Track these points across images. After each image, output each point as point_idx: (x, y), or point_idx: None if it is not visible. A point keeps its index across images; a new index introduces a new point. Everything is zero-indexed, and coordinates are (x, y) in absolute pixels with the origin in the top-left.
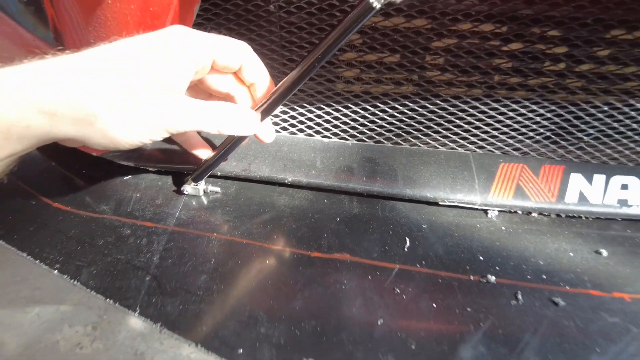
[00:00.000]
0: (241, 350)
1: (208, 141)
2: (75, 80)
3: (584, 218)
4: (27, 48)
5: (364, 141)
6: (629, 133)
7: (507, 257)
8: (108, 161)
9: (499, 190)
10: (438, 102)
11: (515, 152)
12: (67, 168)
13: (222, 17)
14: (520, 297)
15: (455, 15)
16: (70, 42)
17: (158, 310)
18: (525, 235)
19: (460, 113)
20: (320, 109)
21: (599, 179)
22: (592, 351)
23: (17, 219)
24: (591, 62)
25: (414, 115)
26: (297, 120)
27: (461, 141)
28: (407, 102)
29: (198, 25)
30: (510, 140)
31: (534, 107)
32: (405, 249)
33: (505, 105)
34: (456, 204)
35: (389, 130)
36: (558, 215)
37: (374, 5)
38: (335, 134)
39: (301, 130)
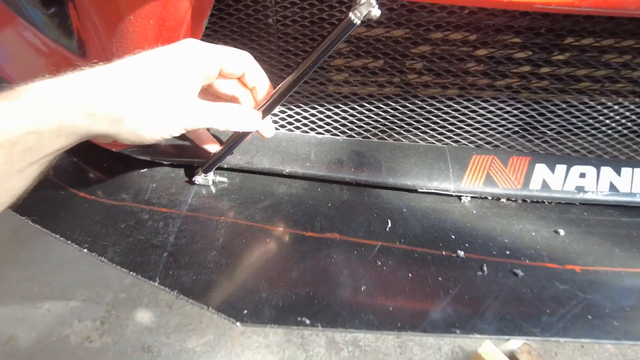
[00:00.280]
0: (246, 312)
1: (216, 137)
2: (109, 88)
3: (546, 203)
4: (52, 55)
5: (353, 137)
6: (586, 127)
7: (476, 236)
8: (126, 156)
9: (471, 179)
10: (417, 101)
11: (486, 145)
12: (89, 163)
13: (228, 29)
14: (485, 269)
15: (427, 26)
16: (93, 51)
17: (175, 280)
18: (494, 218)
19: (436, 111)
20: (314, 108)
21: (560, 168)
22: (543, 313)
23: (49, 207)
24: (549, 65)
25: (396, 114)
26: (293, 118)
27: (438, 136)
28: (390, 102)
29: (206, 36)
30: (482, 135)
31: (502, 105)
32: (387, 229)
33: (476, 104)
34: (433, 190)
35: (375, 127)
36: (524, 201)
37: (355, 21)
38: (327, 131)
39: (297, 128)
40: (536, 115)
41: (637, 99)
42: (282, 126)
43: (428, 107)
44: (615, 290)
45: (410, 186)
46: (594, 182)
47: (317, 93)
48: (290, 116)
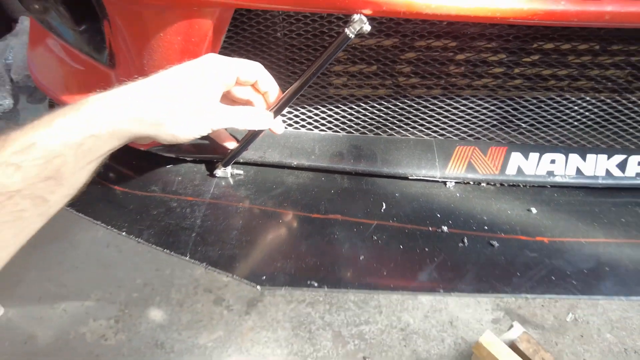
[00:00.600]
0: (264, 277)
1: (233, 136)
2: (151, 99)
3: (521, 186)
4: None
5: (351, 133)
6: (555, 120)
7: (458, 214)
8: (153, 154)
9: (455, 167)
10: (406, 101)
11: (468, 138)
12: (121, 161)
13: (242, 42)
14: (465, 241)
15: (412, 36)
16: (122, 63)
17: (203, 255)
18: (474, 199)
19: (424, 109)
20: (317, 109)
21: (533, 156)
22: (514, 275)
23: (89, 199)
24: (519, 67)
25: (389, 112)
26: (299, 118)
27: (426, 130)
28: (383, 102)
29: (224, 49)
30: (464, 129)
31: (480, 102)
32: (382, 210)
33: (458, 102)
34: (421, 177)
35: (370, 124)
36: (501, 185)
37: (350, 35)
38: (329, 128)
39: (303, 126)
40: (511, 110)
41: (596, 94)
42: (290, 125)
43: (416, 105)
44: (576, 257)
45: (402, 174)
46: (562, 167)
47: (320, 95)
48: (296, 116)
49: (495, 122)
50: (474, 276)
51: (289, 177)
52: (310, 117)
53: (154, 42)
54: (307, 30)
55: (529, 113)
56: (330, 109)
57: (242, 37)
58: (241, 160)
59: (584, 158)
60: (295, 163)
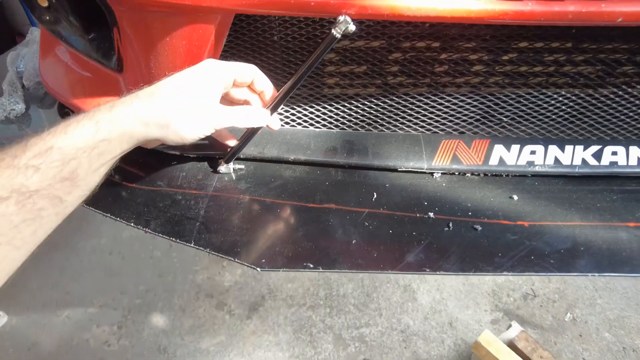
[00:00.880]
0: (263, 260)
1: (233, 134)
2: (157, 103)
3: (503, 176)
4: (90, 72)
5: (344, 129)
6: (534, 114)
7: (444, 202)
8: (159, 152)
9: (441, 159)
10: (395, 98)
11: (453, 132)
12: (129, 159)
13: (242, 45)
14: (451, 226)
15: (398, 37)
16: (130, 67)
17: (206, 241)
18: (460, 188)
19: (411, 105)
20: (312, 107)
21: (515, 147)
22: (495, 255)
23: (99, 194)
24: (498, 64)
25: (379, 109)
26: (295, 116)
27: (413, 126)
28: (373, 100)
29: (224, 52)
30: (449, 124)
31: (464, 98)
32: (373, 200)
33: (442, 98)
34: (410, 169)
35: (362, 120)
36: (485, 175)
37: (336, 36)
38: (323, 125)
39: (299, 124)
40: (492, 105)
41: (571, 89)
42: (287, 122)
43: (404, 102)
44: (554, 238)
45: (391, 166)
46: (542, 158)
47: (314, 94)
48: (293, 114)
49: (478, 117)
50: (458, 257)
51: (286, 171)
52: (305, 115)
53: (160, 46)
54: (301, 34)
55: (510, 108)
56: (324, 107)
57: (242, 40)
58: (242, 156)
59: (562, 149)
60: (292, 158)
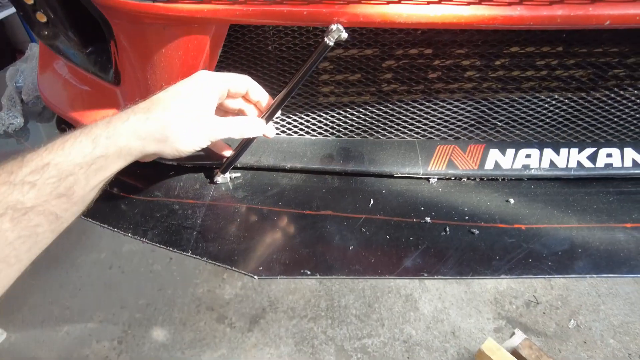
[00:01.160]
0: (260, 268)
1: (229, 143)
2: (153, 118)
3: (499, 180)
4: (88, 85)
5: (340, 136)
6: (528, 117)
7: (441, 206)
8: (156, 162)
9: (436, 164)
10: (389, 105)
11: (448, 137)
12: (126, 170)
13: (237, 55)
14: (448, 230)
15: (390, 45)
16: (127, 79)
17: (203, 250)
18: (456, 193)
19: (405, 112)
20: (307, 115)
21: (510, 151)
22: (493, 259)
23: (96, 205)
24: (490, 69)
25: (374, 116)
26: (292, 125)
27: (408, 132)
28: (368, 107)
29: (220, 62)
30: (443, 129)
31: (458, 104)
32: (370, 206)
33: (437, 104)
34: (406, 175)
35: (357, 128)
36: (481, 179)
37: (329, 44)
38: (319, 133)
39: (295, 132)
40: (487, 110)
41: (564, 93)
42: (283, 131)
43: (398, 109)
44: (551, 241)
45: (387, 172)
46: (537, 161)
47: (309, 103)
48: (289, 123)
49: (472, 122)
50: (456, 261)
51: (283, 179)
52: (301, 124)
53: (156, 58)
54: (295, 44)
55: (504, 112)
56: (320, 115)
57: (237, 51)
58: (238, 165)
59: (557, 152)
60: (288, 166)
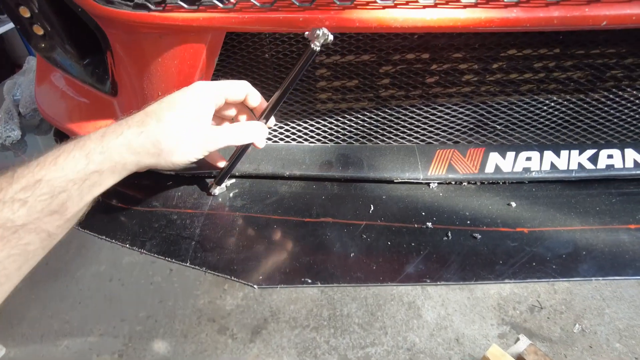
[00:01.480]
0: (260, 277)
1: (223, 154)
2: (148, 131)
3: (500, 183)
4: (85, 97)
5: (339, 143)
6: (528, 120)
7: (442, 211)
8: (154, 172)
9: (436, 169)
10: (387, 110)
11: (448, 142)
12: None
13: (234, 63)
14: (449, 235)
15: (387, 50)
16: (124, 90)
17: (202, 260)
18: (457, 197)
19: (404, 117)
20: (305, 122)
21: (510, 154)
22: (496, 263)
23: (94, 217)
24: (488, 72)
25: (372, 122)
26: (290, 132)
27: (407, 137)
28: (366, 113)
29: (217, 71)
30: (443, 133)
31: (456, 108)
32: (370, 212)
33: (435, 109)
34: (406, 180)
35: (356, 134)
36: (482, 183)
37: (316, 49)
38: (318, 140)
39: (294, 139)
40: (485, 114)
41: (562, 95)
42: (281, 139)
43: (397, 114)
44: (555, 244)
45: (387, 178)
46: (538, 164)
47: (307, 110)
48: (287, 130)
49: (471, 126)
50: (458, 266)
51: (282, 187)
52: (299, 131)
53: (153, 68)
54: (292, 51)
55: (503, 115)
56: (318, 122)
57: (234, 59)
58: (237, 174)
59: (557, 154)
60: (287, 173)
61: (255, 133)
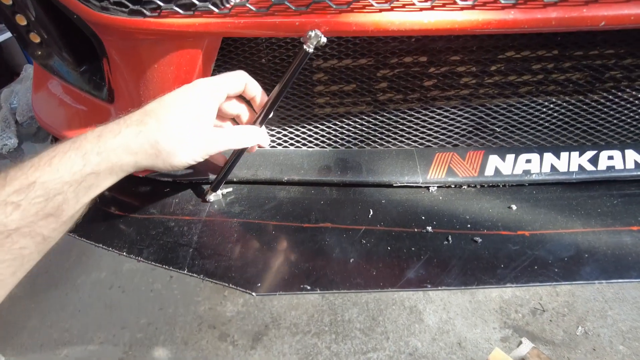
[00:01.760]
0: (259, 284)
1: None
2: (147, 131)
3: (500, 186)
4: (82, 104)
5: (337, 147)
6: (527, 122)
7: (442, 215)
8: (151, 179)
9: (435, 172)
10: (386, 114)
11: (447, 145)
12: (120, 188)
13: (231, 69)
14: (450, 239)
15: (384, 54)
16: (120, 97)
17: (200, 268)
18: (457, 201)
19: (402, 120)
20: (303, 127)
21: (510, 157)
22: (498, 267)
23: (90, 225)
24: (487, 75)
25: (370, 126)
26: (288, 137)
27: (406, 141)
28: (364, 117)
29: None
30: (441, 137)
31: (455, 111)
32: (369, 217)
33: (434, 112)
34: (405, 184)
35: (354, 138)
36: (482, 186)
37: (308, 50)
38: (316, 144)
39: (292, 144)
40: (484, 116)
41: (561, 96)
42: (280, 144)
43: (395, 118)
44: (557, 247)
45: (386, 182)
46: (538, 166)
47: (305, 115)
48: (285, 135)
49: (470, 128)
50: (459, 271)
51: (280, 192)
52: (297, 136)
53: (149, 74)
54: (288, 55)
55: (502, 117)
56: (316, 127)
57: (230, 64)
58: (235, 180)
59: (557, 156)
60: (285, 178)
61: (258, 135)
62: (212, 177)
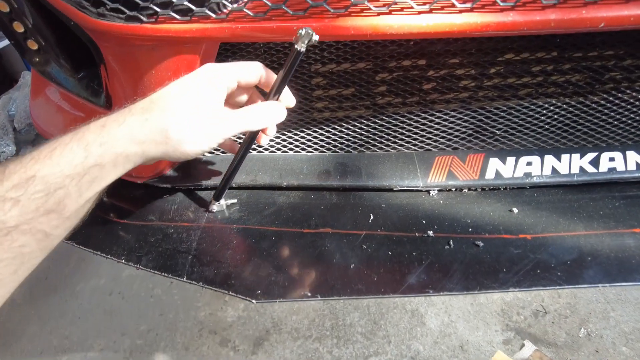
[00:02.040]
0: (259, 292)
1: (218, 168)
2: (154, 118)
3: (501, 189)
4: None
5: (337, 152)
6: (527, 124)
7: (443, 219)
8: (150, 185)
9: (436, 176)
10: (385, 118)
11: (447, 148)
12: (119, 195)
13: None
14: (451, 243)
15: (383, 57)
16: (118, 103)
17: (199, 275)
18: (458, 205)
19: (402, 124)
20: (302, 132)
21: (510, 159)
22: (500, 271)
23: (89, 232)
24: (485, 77)
25: (370, 130)
26: (287, 142)
27: (406, 144)
28: (363, 121)
29: None
30: (441, 140)
31: (455, 114)
32: (370, 221)
33: (433, 115)
34: (405, 188)
35: (354, 142)
36: (482, 189)
37: (301, 50)
38: (315, 149)
39: (291, 149)
40: (484, 119)
41: (561, 98)
42: (279, 149)
43: (394, 121)
44: (559, 250)
45: (386, 186)
46: (539, 168)
47: (304, 119)
48: (284, 140)
49: (470, 132)
50: (461, 275)
51: (280, 198)
52: (297, 140)
53: (147, 79)
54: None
55: (502, 120)
56: (315, 131)
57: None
58: (234, 185)
59: (558, 158)
60: (285, 184)
61: (275, 114)
62: (211, 183)
